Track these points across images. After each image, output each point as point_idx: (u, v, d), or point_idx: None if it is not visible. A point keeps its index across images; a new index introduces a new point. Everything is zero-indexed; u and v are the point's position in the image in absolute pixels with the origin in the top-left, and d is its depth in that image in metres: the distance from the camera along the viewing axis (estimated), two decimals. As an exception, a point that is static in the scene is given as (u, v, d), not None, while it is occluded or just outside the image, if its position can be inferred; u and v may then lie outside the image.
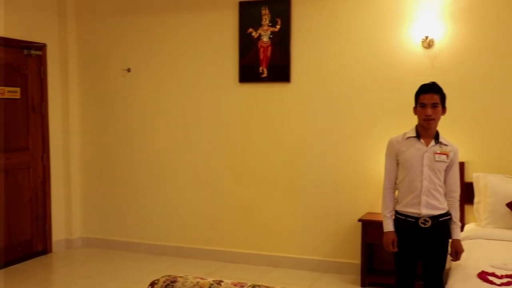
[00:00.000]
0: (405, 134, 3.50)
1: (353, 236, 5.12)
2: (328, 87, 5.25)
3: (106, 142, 6.19)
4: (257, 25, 5.40)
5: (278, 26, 5.34)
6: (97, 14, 6.12)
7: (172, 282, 2.32)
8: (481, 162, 4.73)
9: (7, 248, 5.52)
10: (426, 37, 4.83)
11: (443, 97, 3.41)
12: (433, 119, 3.37)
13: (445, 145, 3.43)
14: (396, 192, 3.55)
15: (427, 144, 3.41)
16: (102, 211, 6.25)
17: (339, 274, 5.19)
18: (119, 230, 6.17)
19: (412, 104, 3.49)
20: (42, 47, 5.91)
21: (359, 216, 4.95)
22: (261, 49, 5.41)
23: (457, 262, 3.47)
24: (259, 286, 2.24)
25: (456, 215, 3.46)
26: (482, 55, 4.75)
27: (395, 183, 3.53)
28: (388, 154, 3.55)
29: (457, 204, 3.47)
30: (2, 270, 5.37)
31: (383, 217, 3.53)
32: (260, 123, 5.51)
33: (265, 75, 5.41)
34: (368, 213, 5.03)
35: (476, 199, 4.62)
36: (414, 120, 3.51)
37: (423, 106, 3.38)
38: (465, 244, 3.55)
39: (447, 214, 3.43)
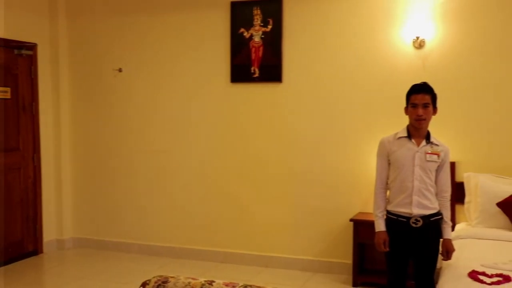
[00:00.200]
0: (396, 134, 3.51)
1: (344, 236, 5.13)
2: (320, 87, 5.26)
3: (97, 142, 6.17)
4: (249, 25, 5.41)
5: (269, 26, 5.34)
6: (88, 14, 6.10)
7: (163, 282, 2.32)
8: (471, 162, 4.76)
9: (-3, 249, 5.50)
10: (417, 38, 4.85)
11: (434, 97, 3.42)
12: (424, 119, 3.38)
13: (436, 145, 3.44)
14: (388, 192, 3.56)
15: (418, 144, 3.42)
16: (94, 211, 6.23)
17: (330, 274, 5.20)
18: (111, 231, 6.15)
19: (404, 104, 3.50)
20: (33, 47, 5.88)
21: (350, 216, 4.97)
22: (253, 49, 5.41)
23: (448, 261, 3.49)
24: (250, 286, 2.24)
25: (447, 215, 3.47)
26: (472, 55, 4.77)
27: (387, 183, 3.54)
28: (379, 154, 3.57)
29: (448, 203, 3.49)
30: (-7, 271, 5.35)
31: (375, 217, 3.54)
32: (252, 123, 5.52)
33: (256, 75, 5.41)
34: (359, 213, 5.04)
35: (466, 199, 4.64)
36: (405, 120, 3.52)
37: (414, 106, 3.39)
38: (456, 244, 3.57)
39: (438, 214, 3.44)
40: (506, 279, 3.15)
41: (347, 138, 5.18)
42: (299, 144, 5.35)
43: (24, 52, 5.77)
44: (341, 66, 5.17)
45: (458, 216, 4.77)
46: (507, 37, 4.69)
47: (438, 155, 3.41)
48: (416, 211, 3.38)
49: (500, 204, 4.35)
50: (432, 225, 3.41)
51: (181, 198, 5.83)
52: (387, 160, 3.51)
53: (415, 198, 3.38)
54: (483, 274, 3.25)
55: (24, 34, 5.77)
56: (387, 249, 3.47)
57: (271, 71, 5.36)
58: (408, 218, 3.39)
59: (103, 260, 5.79)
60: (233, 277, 4.83)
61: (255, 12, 5.38)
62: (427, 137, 3.45)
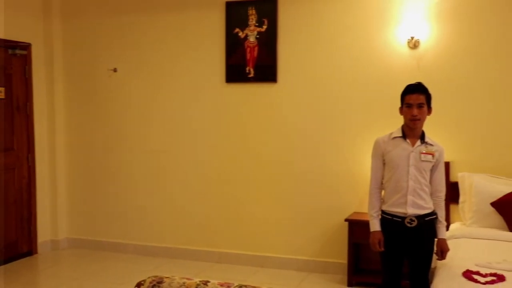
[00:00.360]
0: (391, 134, 3.52)
1: (339, 236, 5.14)
2: (315, 87, 5.27)
3: (92, 142, 6.15)
4: (244, 25, 5.41)
5: (264, 27, 5.34)
6: (83, 13, 6.08)
7: (158, 282, 2.32)
8: (466, 162, 4.77)
9: (-9, 249, 5.48)
10: (412, 38, 4.86)
11: (428, 97, 3.43)
12: (419, 119, 3.39)
13: (431, 145, 3.45)
14: (383, 192, 3.57)
15: (413, 144, 3.43)
16: (88, 211, 6.21)
17: (325, 274, 5.21)
18: (106, 231, 6.13)
19: (398, 104, 3.51)
20: (27, 46, 5.86)
21: (345, 216, 4.97)
22: (248, 49, 5.41)
23: (443, 261, 3.50)
24: (245, 286, 2.25)
25: (441, 215, 3.48)
26: (467, 55, 4.79)
27: (382, 183, 3.55)
28: (374, 154, 3.57)
29: (442, 203, 3.50)
30: (-13, 272, 5.33)
31: (370, 216, 3.55)
32: (247, 123, 5.51)
33: (251, 75, 5.41)
34: (354, 213, 5.05)
35: (461, 199, 4.66)
36: (400, 120, 3.52)
37: (409, 106, 3.40)
38: (450, 243, 3.57)
39: (433, 213, 3.45)
40: (500, 278, 3.16)
41: (342, 138, 5.19)
42: (295, 144, 5.36)
43: (18, 52, 5.75)
44: (336, 66, 5.18)
45: (452, 216, 4.78)
46: (501, 37, 4.70)
47: (432, 155, 3.42)
48: (411, 211, 3.39)
49: (494, 204, 4.36)
50: (426, 225, 3.42)
51: (177, 198, 5.82)
52: (382, 160, 3.52)
53: (410, 198, 3.39)
54: (478, 273, 3.26)
55: (18, 34, 5.75)
56: (382, 249, 3.48)
57: (266, 71, 5.37)
58: (403, 218, 3.40)
59: (98, 260, 5.78)
60: (228, 277, 4.83)
61: (250, 12, 5.38)
62: (422, 137, 3.45)
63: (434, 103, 3.49)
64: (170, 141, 5.82)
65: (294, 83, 5.33)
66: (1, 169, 5.60)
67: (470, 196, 4.54)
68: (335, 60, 5.18)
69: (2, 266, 5.51)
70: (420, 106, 3.38)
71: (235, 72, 5.47)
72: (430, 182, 3.46)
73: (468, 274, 3.24)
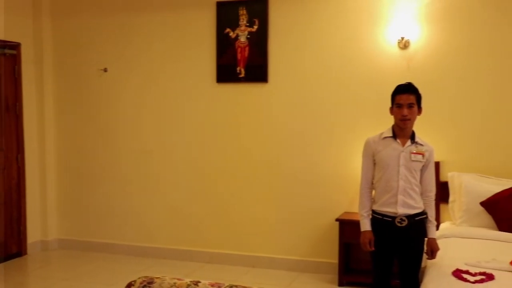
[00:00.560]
0: (381, 134, 3.53)
1: (330, 235, 5.15)
2: (305, 87, 5.27)
3: (82, 143, 6.12)
4: (235, 25, 5.40)
5: (255, 27, 5.34)
6: (73, 13, 6.05)
7: (149, 283, 2.31)
8: (455, 162, 4.80)
9: (-20, 250, 5.44)
10: (402, 38, 4.88)
11: (419, 97, 3.45)
12: (409, 119, 3.40)
13: (421, 145, 3.47)
14: (373, 192, 3.58)
15: (403, 144, 3.44)
16: (79, 212, 6.18)
17: (316, 274, 5.21)
18: (96, 232, 6.11)
19: (389, 104, 3.52)
20: (16, 46, 5.82)
21: (336, 216, 4.98)
22: (239, 49, 5.41)
23: (433, 260, 3.52)
24: (236, 286, 2.25)
25: (431, 214, 3.50)
26: (456, 56, 4.82)
27: (372, 183, 3.56)
28: (365, 154, 3.58)
29: (432, 203, 3.52)
30: (-24, 273, 5.29)
31: (360, 216, 3.56)
32: (237, 123, 5.51)
33: (242, 75, 5.41)
34: (345, 212, 5.06)
35: (451, 198, 4.68)
36: (390, 120, 3.54)
37: (399, 106, 3.41)
38: (440, 243, 3.59)
39: (423, 213, 3.47)
40: (489, 277, 3.18)
41: (332, 138, 5.20)
42: (285, 144, 5.36)
43: (7, 51, 5.71)
44: (326, 66, 5.19)
45: (442, 215, 4.80)
46: (491, 38, 4.73)
47: (423, 155, 3.44)
48: (401, 210, 3.40)
49: (483, 204, 4.39)
50: (417, 225, 3.43)
51: (167, 198, 5.81)
52: (372, 160, 3.53)
53: (400, 197, 3.40)
54: (467, 272, 3.28)
55: (8, 33, 5.71)
56: (373, 248, 3.49)
57: (257, 71, 5.37)
58: (393, 218, 3.41)
59: (88, 261, 5.75)
60: (219, 278, 4.81)
61: (240, 12, 5.38)
62: (412, 137, 3.47)
63: (424, 103, 3.51)
64: (160, 141, 5.80)
65: (285, 83, 5.33)
66: (-10, 169, 5.57)
67: (459, 196, 4.56)
68: (326, 60, 5.19)
69: (-9, 267, 5.48)
70: (410, 106, 3.40)
71: (226, 72, 5.47)
72: (420, 182, 3.48)
73: (458, 273, 3.26)
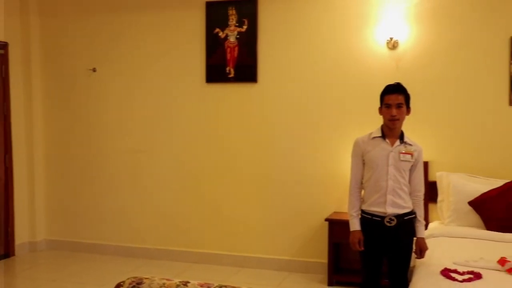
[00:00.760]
0: (370, 134, 3.54)
1: (320, 235, 5.16)
2: (295, 87, 5.28)
3: (70, 143, 6.09)
4: (224, 25, 5.40)
5: (245, 27, 5.34)
6: (61, 12, 6.02)
7: (138, 283, 2.30)
8: (444, 162, 4.83)
9: (-33, 251, 5.39)
10: (391, 38, 4.90)
11: (407, 97, 3.46)
12: (398, 119, 3.42)
13: (410, 144, 3.48)
14: (362, 192, 3.59)
15: (392, 144, 3.46)
16: (67, 213, 6.15)
17: (306, 274, 5.22)
18: (85, 232, 6.08)
19: (377, 104, 3.53)
20: (4, 46, 5.78)
21: (326, 216, 4.99)
22: (228, 49, 5.40)
23: (422, 259, 3.54)
24: (226, 286, 2.24)
25: (420, 214, 3.52)
26: (445, 56, 4.84)
27: (361, 183, 3.57)
28: (354, 154, 3.59)
29: (421, 202, 3.53)
30: (-37, 275, 5.24)
31: (350, 216, 3.57)
32: (227, 123, 5.51)
33: (232, 75, 5.41)
34: (334, 212, 5.07)
35: (439, 198, 4.71)
36: (379, 120, 3.55)
37: (388, 106, 3.42)
38: (429, 242, 3.61)
39: (412, 212, 3.48)
40: (477, 276, 3.20)
41: (321, 138, 5.21)
42: (274, 144, 5.36)
43: (-5, 51, 5.68)
44: (316, 67, 5.20)
45: (431, 214, 4.83)
46: (479, 38, 4.76)
47: (411, 154, 3.45)
48: (390, 210, 3.41)
49: (471, 203, 4.42)
50: (406, 224, 3.45)
51: (156, 199, 5.79)
52: (361, 160, 3.54)
53: (389, 197, 3.41)
54: (455, 271, 3.30)
55: (-5, 33, 5.68)
56: (362, 248, 3.50)
57: (246, 71, 5.37)
58: (383, 217, 3.42)
59: (77, 262, 5.72)
60: (208, 278, 4.81)
61: (230, 12, 5.37)
62: (401, 137, 3.49)
63: (412, 104, 3.52)
64: (149, 141, 5.79)
65: (274, 83, 5.34)
66: (-23, 170, 5.52)
67: (448, 195, 4.59)
68: (315, 60, 5.20)
69: (-21, 269, 5.44)
70: (399, 106, 3.41)
71: (215, 72, 5.46)
72: (409, 181, 3.49)
73: (446, 272, 3.28)
